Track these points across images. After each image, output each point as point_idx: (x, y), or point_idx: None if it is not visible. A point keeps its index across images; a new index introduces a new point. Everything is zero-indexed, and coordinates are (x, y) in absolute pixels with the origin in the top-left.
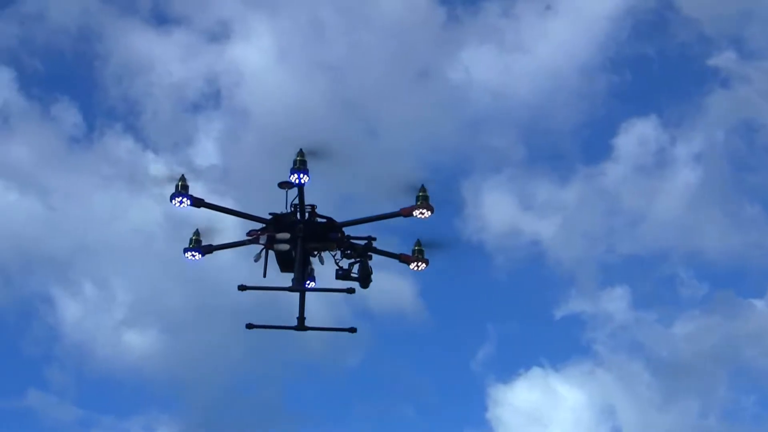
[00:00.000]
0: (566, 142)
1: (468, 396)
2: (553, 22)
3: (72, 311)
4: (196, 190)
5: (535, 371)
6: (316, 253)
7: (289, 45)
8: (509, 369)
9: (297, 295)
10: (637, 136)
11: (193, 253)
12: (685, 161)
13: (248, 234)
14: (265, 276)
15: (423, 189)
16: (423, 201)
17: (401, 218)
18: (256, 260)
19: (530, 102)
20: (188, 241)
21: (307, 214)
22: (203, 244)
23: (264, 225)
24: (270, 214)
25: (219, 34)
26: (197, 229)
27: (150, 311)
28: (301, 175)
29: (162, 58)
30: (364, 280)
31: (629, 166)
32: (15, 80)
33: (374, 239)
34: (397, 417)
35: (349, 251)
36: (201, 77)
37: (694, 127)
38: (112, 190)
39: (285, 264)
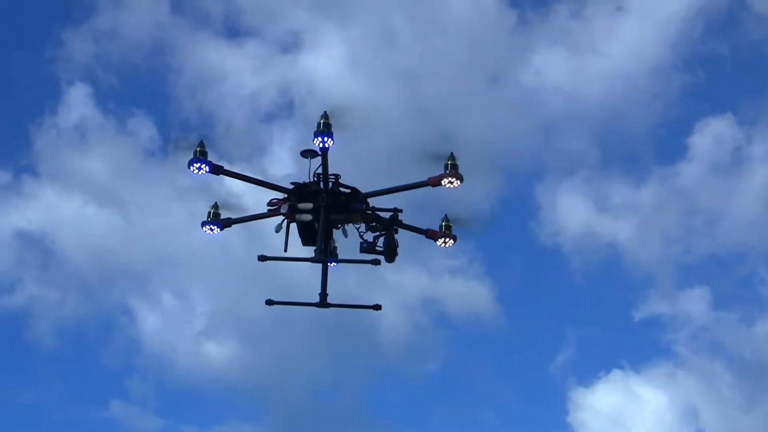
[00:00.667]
0: (640, 142)
1: (548, 400)
2: (624, 23)
3: (152, 322)
4: (269, 198)
5: (616, 374)
6: (339, 225)
7: (360, 53)
8: (589, 372)
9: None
10: (713, 135)
11: (211, 226)
12: (761, 159)
13: (269, 204)
14: (286, 250)
15: (452, 157)
16: (452, 169)
17: (430, 189)
18: (277, 231)
19: (603, 103)
20: (206, 215)
21: (330, 184)
22: (222, 217)
23: (286, 195)
24: (292, 183)
25: (290, 45)
26: (216, 202)
27: (229, 321)
28: (326, 139)
29: (234, 70)
30: (390, 253)
31: (705, 165)
32: (91, 96)
33: (400, 211)
34: (477, 421)
35: (374, 223)
36: (274, 87)
37: None
38: (188, 201)
39: (307, 236)
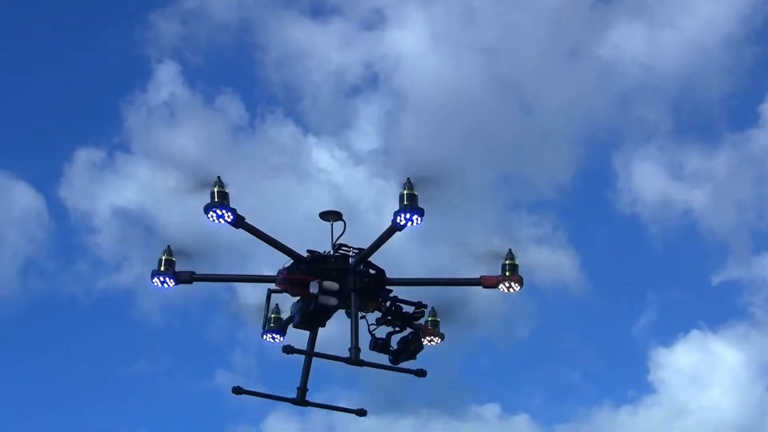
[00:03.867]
0: (714, 112)
1: (630, 361)
2: None
3: (252, 298)
4: (358, 173)
5: (694, 334)
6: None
7: (443, 30)
8: (669, 333)
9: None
10: None
11: (162, 278)
12: None
13: (280, 273)
14: (265, 327)
15: (511, 255)
16: (512, 271)
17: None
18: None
19: (678, 74)
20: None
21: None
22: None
23: (294, 262)
24: (309, 252)
25: (374, 22)
26: (168, 246)
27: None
28: (414, 217)
29: (320, 47)
30: (414, 353)
31: None
32: (180, 74)
33: (424, 307)
34: (564, 383)
35: (390, 317)
36: (359, 63)
37: None
38: (280, 177)
39: (310, 320)
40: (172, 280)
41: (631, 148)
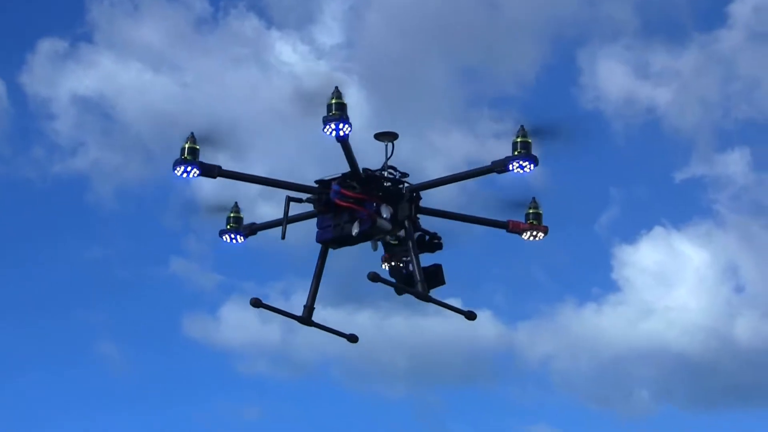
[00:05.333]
0: (681, 12)
1: (594, 257)
2: None
3: (208, 186)
4: (319, 67)
5: (658, 231)
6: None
7: None
8: (633, 230)
9: None
10: (752, 2)
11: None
12: None
13: (335, 186)
14: (284, 237)
15: (535, 204)
16: (536, 220)
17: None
18: (374, 248)
19: None
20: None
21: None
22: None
23: (342, 176)
24: (317, 181)
25: None
26: (192, 134)
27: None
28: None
29: None
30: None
31: (744, 32)
32: None
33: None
34: (527, 280)
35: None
36: None
37: None
38: (242, 68)
39: (347, 241)
40: (196, 170)
41: (597, 46)
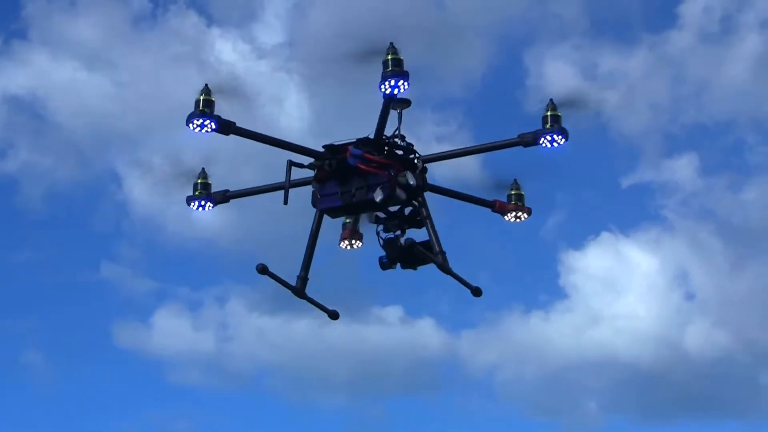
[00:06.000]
0: (631, 12)
1: (540, 263)
2: None
3: (140, 188)
4: (260, 67)
5: (605, 236)
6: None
7: None
8: (579, 235)
9: None
10: (702, 3)
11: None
12: (749, 28)
13: (353, 150)
14: (286, 203)
15: (516, 185)
16: (518, 201)
17: None
18: (371, 221)
19: None
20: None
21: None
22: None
23: (358, 140)
24: (325, 146)
25: None
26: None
27: (220, 186)
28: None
29: None
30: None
31: (694, 34)
32: None
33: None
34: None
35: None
36: None
37: None
38: (180, 67)
39: (357, 209)
40: (213, 124)
41: (544, 47)
